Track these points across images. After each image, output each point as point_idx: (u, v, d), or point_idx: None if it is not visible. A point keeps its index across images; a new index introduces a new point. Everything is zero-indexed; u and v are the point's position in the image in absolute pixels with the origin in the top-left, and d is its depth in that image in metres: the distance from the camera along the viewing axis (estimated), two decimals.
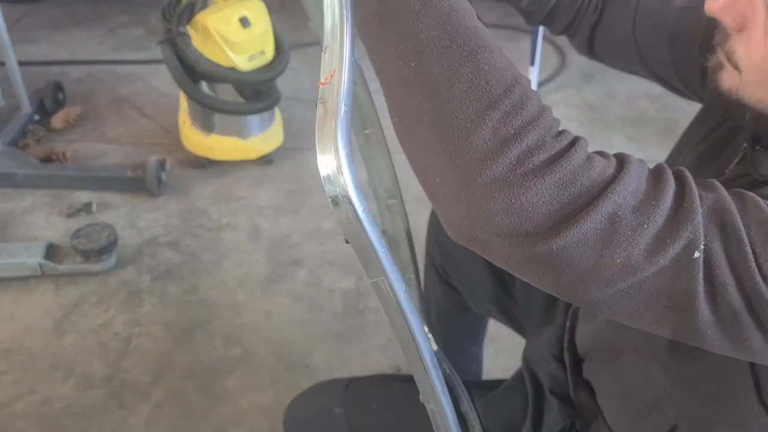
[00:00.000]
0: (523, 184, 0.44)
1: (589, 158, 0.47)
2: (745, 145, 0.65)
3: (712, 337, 0.50)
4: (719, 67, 0.59)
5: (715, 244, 0.47)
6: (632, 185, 0.46)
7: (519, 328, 1.13)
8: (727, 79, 0.59)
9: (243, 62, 2.01)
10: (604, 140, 2.56)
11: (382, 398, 0.90)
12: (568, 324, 0.90)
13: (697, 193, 0.48)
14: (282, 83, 2.21)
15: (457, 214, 0.47)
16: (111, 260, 1.87)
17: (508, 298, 1.08)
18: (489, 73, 0.46)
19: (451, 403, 0.63)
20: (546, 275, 0.48)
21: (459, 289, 1.17)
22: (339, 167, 0.42)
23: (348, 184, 0.43)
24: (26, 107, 2.40)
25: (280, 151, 2.35)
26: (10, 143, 2.26)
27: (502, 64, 0.47)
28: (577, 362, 0.86)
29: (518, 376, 0.95)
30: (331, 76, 0.44)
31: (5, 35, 2.21)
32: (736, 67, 0.58)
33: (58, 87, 2.58)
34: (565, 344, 0.88)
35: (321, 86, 0.44)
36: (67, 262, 1.84)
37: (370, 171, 0.75)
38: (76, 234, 1.84)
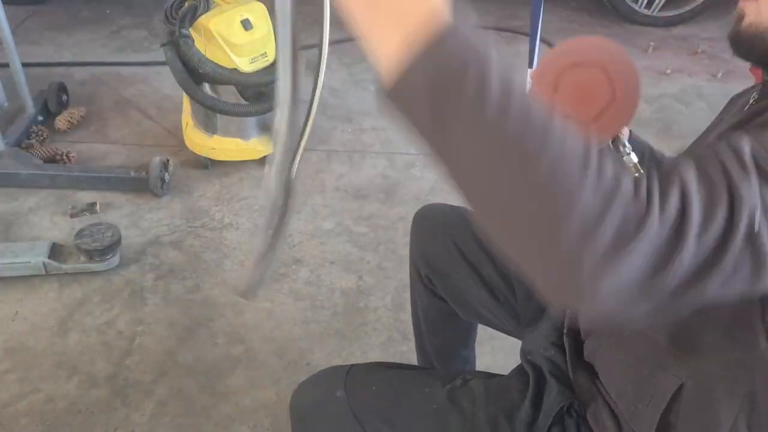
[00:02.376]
0: (622, 259, 0.45)
1: (656, 203, 0.46)
2: (754, 94, 0.71)
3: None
4: (740, 16, 0.66)
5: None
6: (699, 210, 0.47)
7: (508, 331, 1.15)
8: (749, 15, 0.65)
9: (245, 64, 2.03)
10: None
11: (382, 381, 0.92)
12: (568, 311, 0.92)
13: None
14: None
15: (571, 302, 0.48)
16: (114, 260, 1.89)
17: (497, 304, 1.10)
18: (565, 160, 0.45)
19: None
20: (682, 310, 0.50)
21: (446, 298, 1.19)
22: None
23: None
24: (30, 108, 2.42)
25: None
26: (14, 144, 2.27)
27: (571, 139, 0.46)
28: (578, 346, 0.88)
29: (518, 367, 0.97)
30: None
31: (9, 37, 2.22)
32: None
33: (62, 88, 2.60)
34: (565, 330, 0.91)
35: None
36: (70, 261, 1.86)
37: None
38: (80, 234, 1.86)
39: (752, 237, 0.47)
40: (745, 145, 0.51)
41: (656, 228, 0.45)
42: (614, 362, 0.81)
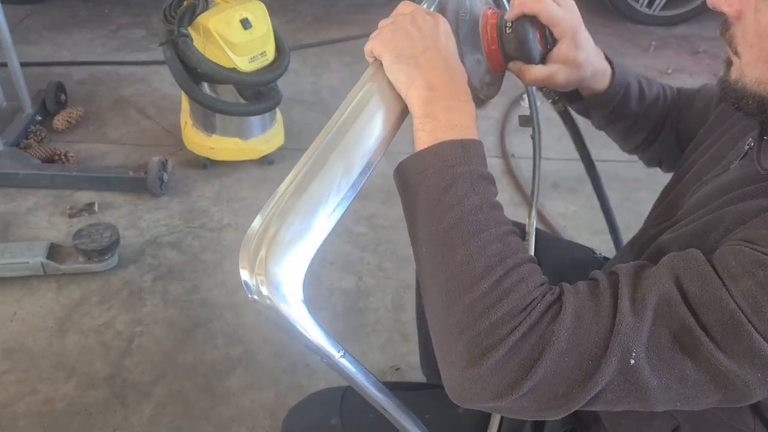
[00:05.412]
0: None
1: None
2: (750, 141, 0.67)
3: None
4: (729, 62, 0.63)
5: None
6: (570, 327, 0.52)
7: None
8: (734, 71, 0.62)
9: (244, 63, 2.02)
10: (601, 142, 2.56)
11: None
12: None
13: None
14: (283, 84, 2.22)
15: (449, 385, 0.56)
16: (113, 260, 1.88)
17: None
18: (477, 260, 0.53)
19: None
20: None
21: None
22: None
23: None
24: (28, 108, 2.42)
25: (281, 151, 2.36)
26: (12, 144, 2.27)
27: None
28: None
29: None
30: None
31: (8, 36, 2.22)
32: (736, 53, 0.60)
33: (60, 88, 2.59)
34: None
35: None
36: (69, 262, 1.85)
37: None
38: (78, 234, 1.85)
39: (628, 372, 0.51)
40: (657, 285, 0.53)
41: (503, 357, 0.51)
42: None
